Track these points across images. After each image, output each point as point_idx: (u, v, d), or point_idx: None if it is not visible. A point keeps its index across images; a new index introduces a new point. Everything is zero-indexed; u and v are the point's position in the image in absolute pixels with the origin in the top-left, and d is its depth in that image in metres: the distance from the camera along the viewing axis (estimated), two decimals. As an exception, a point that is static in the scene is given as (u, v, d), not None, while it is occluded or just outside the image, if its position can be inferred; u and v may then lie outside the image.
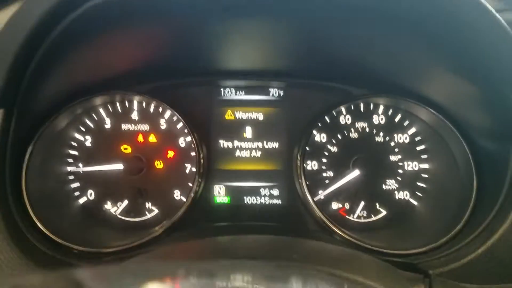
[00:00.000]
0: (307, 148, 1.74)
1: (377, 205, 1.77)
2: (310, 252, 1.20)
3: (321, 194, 1.76)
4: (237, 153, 1.82)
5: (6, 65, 1.18)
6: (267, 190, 1.81)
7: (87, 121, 1.74)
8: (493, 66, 1.22)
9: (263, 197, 1.80)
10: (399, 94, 1.71)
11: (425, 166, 1.77)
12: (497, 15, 1.11)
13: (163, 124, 1.77)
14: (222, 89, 1.84)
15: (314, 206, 1.67)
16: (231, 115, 1.83)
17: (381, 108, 1.79)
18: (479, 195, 1.52)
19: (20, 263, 1.20)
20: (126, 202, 1.71)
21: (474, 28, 1.14)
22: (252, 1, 1.20)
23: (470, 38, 1.18)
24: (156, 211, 1.74)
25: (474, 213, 1.49)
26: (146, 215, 1.74)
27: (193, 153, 1.73)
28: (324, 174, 1.78)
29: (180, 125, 1.74)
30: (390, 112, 1.79)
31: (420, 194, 1.76)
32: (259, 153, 1.83)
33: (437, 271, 1.29)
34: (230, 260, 1.03)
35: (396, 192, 1.78)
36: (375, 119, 1.80)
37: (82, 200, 1.72)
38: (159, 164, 1.75)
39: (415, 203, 1.77)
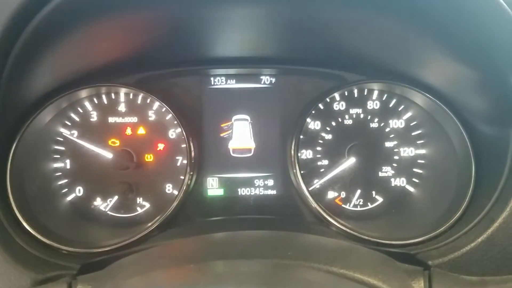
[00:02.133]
0: (301, 137, 1.70)
1: (374, 193, 1.74)
2: (306, 248, 1.17)
3: (317, 183, 1.73)
4: (230, 143, 1.77)
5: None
6: (261, 180, 1.77)
7: (73, 115, 1.68)
8: (493, 49, 1.18)
9: (257, 188, 1.77)
10: (394, 79, 1.66)
11: (422, 151, 1.74)
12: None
13: (151, 116, 1.71)
14: (212, 78, 1.78)
15: (309, 196, 1.64)
16: (222, 105, 1.78)
17: (376, 93, 1.74)
18: (478, 182, 1.49)
19: (7, 266, 1.17)
20: (116, 197, 1.66)
21: (474, 11, 1.09)
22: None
23: (470, 21, 1.14)
24: (147, 206, 1.70)
25: (473, 201, 1.47)
26: (137, 210, 1.69)
27: (183, 145, 1.68)
28: (319, 163, 1.74)
29: (169, 116, 1.69)
30: (385, 97, 1.75)
31: (416, 181, 1.74)
32: (252, 143, 1.78)
33: (437, 262, 1.26)
34: (225, 260, 0.99)
35: (392, 179, 1.75)
36: (370, 105, 1.75)
37: (70, 197, 1.67)
38: (149, 157, 1.71)
39: (412, 189, 1.74)
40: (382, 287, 0.99)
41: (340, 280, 1.00)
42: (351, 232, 1.52)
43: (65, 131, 1.67)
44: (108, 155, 1.66)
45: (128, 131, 1.70)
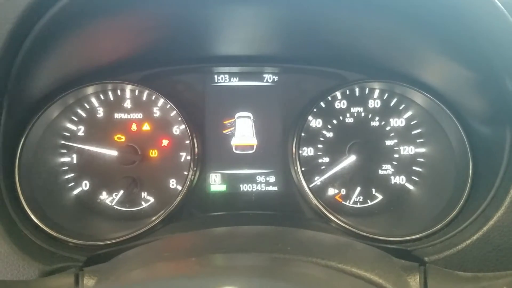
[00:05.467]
0: (303, 134, 1.73)
1: (373, 190, 1.77)
2: (305, 242, 1.20)
3: (317, 180, 1.76)
4: (233, 140, 1.81)
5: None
6: (263, 177, 1.80)
7: (79, 111, 1.72)
8: (490, 51, 1.20)
9: (259, 184, 1.80)
10: (395, 78, 1.69)
11: (421, 150, 1.77)
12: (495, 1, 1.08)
13: (156, 112, 1.75)
14: (215, 76, 1.81)
15: (309, 192, 1.66)
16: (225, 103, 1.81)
17: (377, 92, 1.77)
18: (475, 181, 1.52)
19: (16, 257, 1.20)
20: (121, 192, 1.69)
21: (472, 14, 1.12)
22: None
23: (468, 23, 1.15)
24: (151, 200, 1.73)
25: (469, 199, 1.49)
26: (141, 204, 1.73)
27: (187, 141, 1.71)
28: (320, 160, 1.77)
29: (173, 113, 1.72)
30: (386, 96, 1.77)
31: (416, 179, 1.76)
32: (254, 140, 1.81)
33: (432, 258, 1.30)
34: (224, 254, 1.03)
35: (392, 177, 1.77)
36: (371, 104, 1.78)
37: (76, 191, 1.71)
38: (153, 153, 1.74)
39: (411, 187, 1.76)
40: (378, 281, 1.02)
41: (338, 274, 1.03)
42: (350, 228, 1.55)
43: (71, 127, 1.71)
44: (112, 153, 1.69)
45: (134, 127, 1.74)
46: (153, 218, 1.58)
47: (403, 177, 1.77)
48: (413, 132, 1.77)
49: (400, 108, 1.77)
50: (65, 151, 1.71)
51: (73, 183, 1.71)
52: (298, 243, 1.18)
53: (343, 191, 1.78)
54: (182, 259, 1.03)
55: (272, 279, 0.89)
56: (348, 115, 1.78)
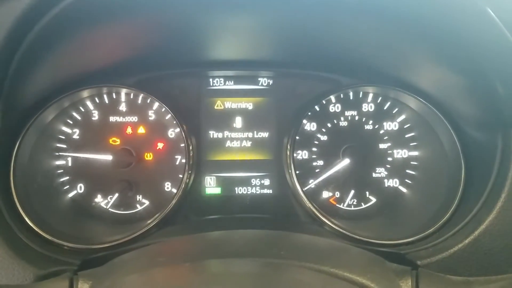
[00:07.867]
0: (297, 138, 1.74)
1: (367, 193, 1.78)
2: (299, 247, 1.21)
3: (312, 183, 1.77)
4: (227, 144, 1.82)
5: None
6: (258, 180, 1.81)
7: (74, 114, 1.72)
8: (481, 57, 1.21)
9: (254, 187, 1.81)
10: (388, 83, 1.70)
11: (414, 153, 1.78)
12: (485, 6, 1.10)
13: (151, 116, 1.75)
14: (211, 79, 1.81)
15: (303, 196, 1.67)
16: (220, 105, 1.82)
17: (370, 96, 1.78)
18: (467, 184, 1.53)
19: (11, 262, 1.21)
20: (116, 195, 1.69)
21: (463, 21, 1.13)
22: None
23: (460, 30, 1.17)
24: (147, 203, 1.74)
25: (461, 203, 1.51)
26: (137, 208, 1.74)
27: (182, 144, 1.72)
28: (314, 163, 1.79)
29: (168, 116, 1.73)
30: (379, 100, 1.79)
31: (409, 182, 1.78)
32: (249, 143, 1.82)
33: (425, 262, 1.31)
34: (219, 260, 1.03)
35: (385, 180, 1.79)
36: (364, 107, 1.79)
37: (71, 194, 1.71)
38: (148, 156, 1.75)
39: (404, 190, 1.78)
40: (371, 286, 1.03)
41: (330, 279, 1.04)
42: (344, 232, 1.56)
43: (67, 130, 1.71)
44: (107, 157, 1.70)
45: (129, 130, 1.74)
46: (148, 222, 1.59)
47: (396, 180, 1.79)
48: (406, 136, 1.78)
49: (394, 112, 1.78)
50: (60, 154, 1.71)
51: (68, 186, 1.71)
52: (292, 247, 1.19)
53: (337, 194, 1.79)
54: (177, 264, 1.03)
55: (266, 285, 0.90)
56: (342, 118, 1.79)
